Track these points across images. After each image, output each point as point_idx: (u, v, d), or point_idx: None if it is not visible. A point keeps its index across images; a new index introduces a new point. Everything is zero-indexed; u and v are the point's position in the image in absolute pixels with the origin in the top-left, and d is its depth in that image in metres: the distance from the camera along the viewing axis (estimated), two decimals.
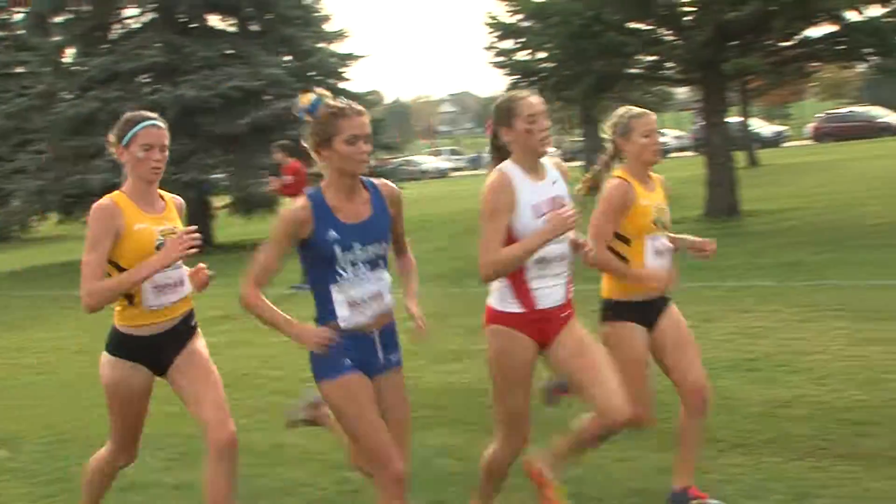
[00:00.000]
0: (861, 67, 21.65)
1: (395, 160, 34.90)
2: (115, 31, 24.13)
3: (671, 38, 19.61)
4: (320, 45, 24.50)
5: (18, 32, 33.86)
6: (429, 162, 66.78)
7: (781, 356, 7.51)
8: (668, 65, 20.73)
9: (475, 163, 66.94)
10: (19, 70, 33.89)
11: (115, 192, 4.38)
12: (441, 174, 63.67)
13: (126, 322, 4.35)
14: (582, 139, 37.67)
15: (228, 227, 25.20)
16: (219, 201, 24.60)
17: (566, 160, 39.36)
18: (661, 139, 4.99)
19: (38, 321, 13.70)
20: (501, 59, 21.33)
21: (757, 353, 7.71)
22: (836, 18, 18.04)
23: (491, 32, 21.35)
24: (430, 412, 6.81)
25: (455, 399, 7.19)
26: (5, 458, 6.55)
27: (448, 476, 5.47)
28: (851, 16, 17.96)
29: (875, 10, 18.00)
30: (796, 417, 6.00)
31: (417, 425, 6.49)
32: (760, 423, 5.94)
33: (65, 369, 9.81)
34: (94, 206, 4.24)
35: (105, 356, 4.41)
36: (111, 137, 4.38)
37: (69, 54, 24.85)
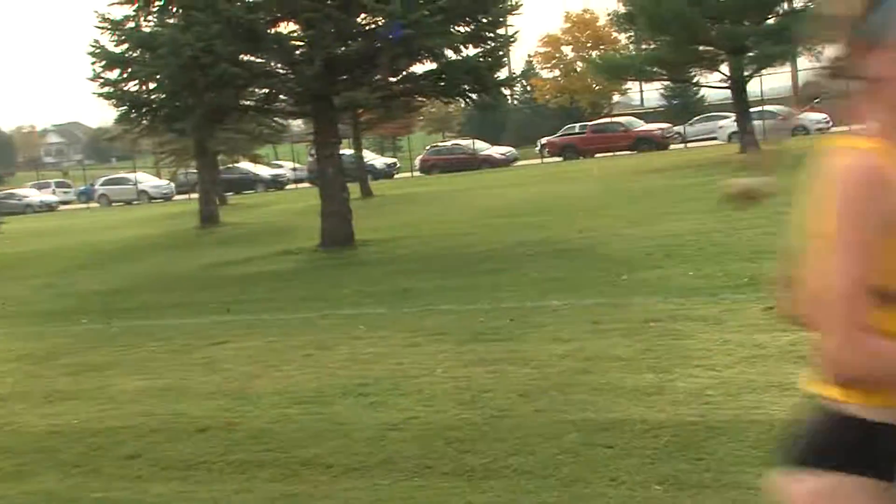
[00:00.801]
0: (461, 102, 22.92)
1: None
2: None
3: (283, 71, 19.90)
4: None
5: None
6: (34, 195, 63.33)
7: (391, 380, 7.80)
8: (281, 97, 21.01)
9: (85, 196, 64.33)
10: None
11: (863, 142, 2.03)
12: (49, 208, 60.59)
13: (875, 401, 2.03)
14: (196, 171, 37.24)
15: None
16: None
17: (183, 193, 38.69)
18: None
19: None
20: (109, 89, 20.69)
21: (369, 378, 7.96)
22: (437, 57, 19.09)
23: (95, 62, 20.65)
24: (34, 457, 6.49)
25: (61, 442, 6.87)
26: None
27: None
28: (450, 54, 19.11)
29: (471, 51, 19.27)
30: (405, 439, 6.26)
31: (21, 473, 6.18)
32: (372, 446, 6.14)
33: None
34: (844, 169, 1.97)
35: (811, 480, 2.08)
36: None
37: None
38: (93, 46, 20.31)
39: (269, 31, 18.73)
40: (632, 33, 39.61)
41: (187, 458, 6.17)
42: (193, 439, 6.58)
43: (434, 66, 19.47)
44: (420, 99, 24.98)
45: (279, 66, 19.94)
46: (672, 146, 48.13)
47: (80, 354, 10.33)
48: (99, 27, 20.13)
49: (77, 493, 5.67)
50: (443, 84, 19.82)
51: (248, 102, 21.20)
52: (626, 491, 4.99)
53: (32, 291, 17.33)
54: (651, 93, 65.95)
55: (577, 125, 52.96)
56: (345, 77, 19.34)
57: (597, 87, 59.37)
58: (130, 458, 6.30)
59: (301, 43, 19.19)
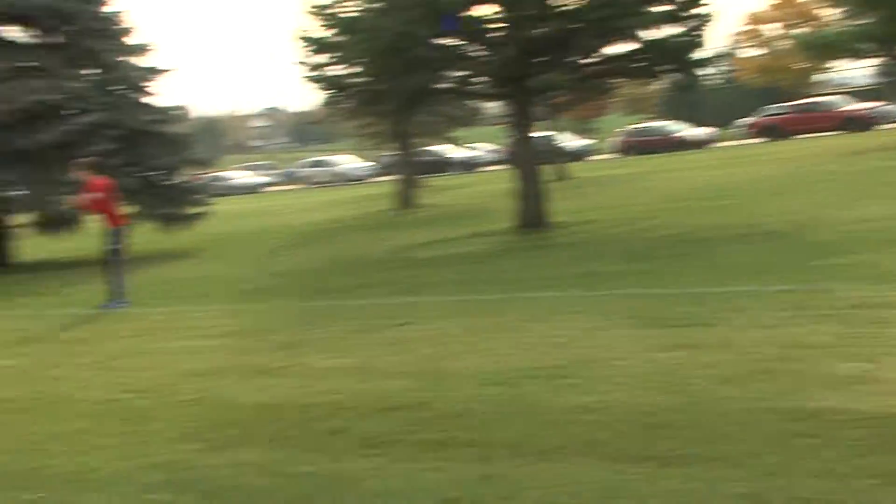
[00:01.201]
0: (659, 83, 22.55)
1: (205, 176, 34.31)
2: None
3: (479, 53, 20.03)
4: (123, 58, 23.85)
5: None
6: (239, 177, 65.94)
7: (583, 363, 7.75)
8: (477, 80, 21.16)
9: (287, 178, 66.57)
10: None
11: None
12: (252, 190, 62.99)
13: None
14: (394, 154, 37.93)
15: (30, 247, 24.26)
16: (19, 219, 23.66)
17: (381, 175, 39.78)
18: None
19: None
20: (314, 73, 21.32)
21: (560, 360, 7.93)
22: (635, 37, 18.81)
23: (304, 47, 21.32)
24: (241, 430, 6.76)
25: (264, 415, 7.14)
26: None
27: (259, 493, 5.43)
28: (649, 34, 18.78)
29: (671, 30, 18.87)
30: (599, 422, 6.18)
31: (230, 443, 6.45)
32: (566, 429, 6.08)
33: None
34: None
35: None
36: None
37: None
38: (302, 32, 20.97)
39: (466, 13, 18.88)
40: (841, 9, 37.94)
41: (380, 435, 6.29)
42: (385, 417, 6.71)
43: (632, 46, 19.20)
44: (616, 80, 24.68)
45: (476, 48, 20.07)
46: (883, 126, 45.88)
47: (276, 332, 10.70)
48: (309, 13, 20.76)
49: (283, 465, 5.86)
50: (638, 65, 19.52)
51: (445, 85, 21.44)
52: (832, 483, 4.80)
53: (235, 270, 18.07)
54: (858, 71, 63.20)
55: (780, 105, 51.20)
56: (540, 59, 19.30)
57: (801, 66, 57.31)
58: (329, 433, 6.48)
59: (497, 26, 19.26)
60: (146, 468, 6.06)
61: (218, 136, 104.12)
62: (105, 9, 23.58)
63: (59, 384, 9.07)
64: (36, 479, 6.06)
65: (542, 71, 19.04)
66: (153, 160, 22.75)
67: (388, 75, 19.03)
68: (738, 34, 65.19)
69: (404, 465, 5.68)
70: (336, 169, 61.20)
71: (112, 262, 14.20)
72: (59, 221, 22.73)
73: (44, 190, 21.40)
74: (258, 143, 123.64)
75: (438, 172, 51.96)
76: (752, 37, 63.84)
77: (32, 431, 7.29)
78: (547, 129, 36.96)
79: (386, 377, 7.94)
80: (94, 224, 15.09)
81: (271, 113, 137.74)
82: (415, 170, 35.55)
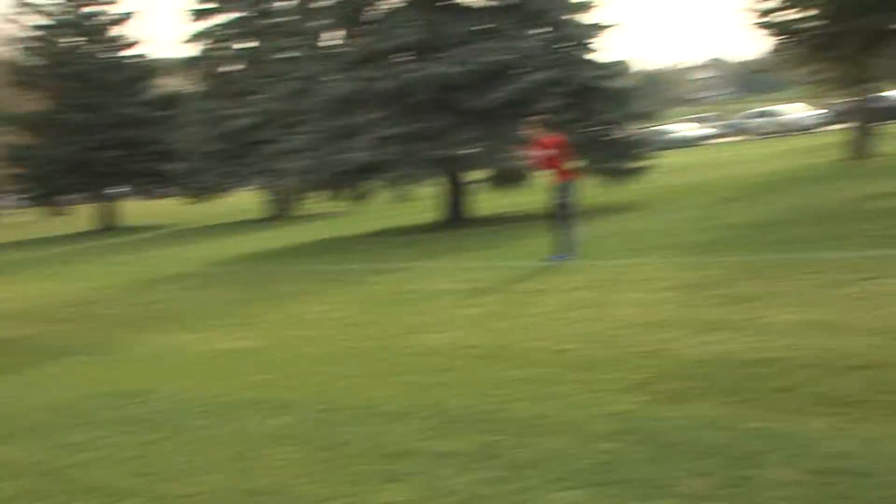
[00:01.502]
0: None
1: (647, 129, 34.34)
2: (374, 11, 24.83)
3: None
4: (569, 16, 24.35)
5: (282, 20, 35.62)
6: (681, 130, 65.38)
7: None
8: None
9: (732, 129, 64.97)
10: (286, 56, 35.54)
11: None
12: (693, 142, 62.23)
13: None
14: (849, 100, 35.75)
15: (482, 202, 25.60)
16: (475, 176, 25.03)
17: (831, 124, 37.57)
18: None
19: (309, 295, 14.36)
20: (763, 20, 20.58)
21: None
22: None
23: None
24: (691, 383, 6.71)
25: (715, 370, 7.04)
26: (284, 425, 6.92)
27: (710, 448, 5.37)
28: None
29: None
30: None
31: (679, 396, 6.43)
32: None
33: (335, 341, 10.26)
34: None
35: None
36: None
37: (330, 37, 25.84)
38: None
39: None
40: None
41: (839, 395, 6.00)
42: (845, 376, 6.38)
43: None
44: None
45: None
46: None
47: (728, 286, 10.50)
48: None
49: (734, 420, 5.76)
50: None
51: None
52: None
53: (682, 223, 17.93)
54: None
55: None
56: None
57: None
58: (783, 390, 6.28)
59: None
60: (598, 417, 6.19)
61: (660, 90, 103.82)
62: None
63: (511, 334, 9.50)
64: (494, 422, 6.39)
65: None
66: (599, 115, 23.12)
67: (845, 17, 17.92)
68: None
69: (864, 428, 5.38)
70: (783, 118, 58.89)
71: (561, 216, 14.63)
72: (510, 177, 23.76)
73: (496, 147, 22.45)
74: (701, 94, 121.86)
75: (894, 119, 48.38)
76: None
77: (489, 378, 7.70)
78: None
79: (850, 334, 7.54)
80: (542, 179, 15.60)
81: (715, 63, 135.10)
82: (870, 117, 33.31)
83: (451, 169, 23.20)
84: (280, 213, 36.87)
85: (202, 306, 14.46)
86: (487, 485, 5.20)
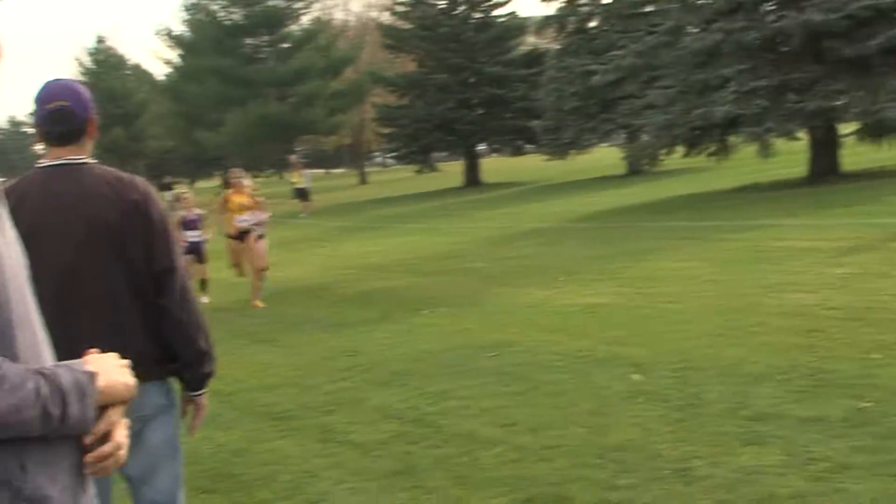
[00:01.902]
0: None
1: None
2: None
3: None
4: None
5: None
6: None
7: None
8: None
9: None
10: (648, 9, 35.18)
11: None
12: None
13: None
14: None
15: (855, 156, 24.23)
16: (845, 129, 23.73)
17: None
18: None
19: (666, 251, 14.25)
20: None
21: None
22: None
23: None
24: None
25: None
26: (640, 382, 6.93)
27: None
28: None
29: None
30: None
31: None
32: None
33: (693, 299, 10.12)
34: None
35: None
36: None
37: None
38: None
39: None
40: None
41: None
42: None
43: None
44: None
45: None
46: None
47: None
48: None
49: None
50: None
51: None
52: None
53: None
54: None
55: None
56: None
57: None
58: None
59: None
60: None
61: None
62: None
63: (883, 295, 8.97)
64: (862, 388, 6.08)
65: None
66: None
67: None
68: None
69: None
70: None
71: None
72: (886, 129, 22.29)
73: (870, 97, 21.13)
74: None
75: None
76: None
77: (858, 342, 7.32)
78: None
79: None
80: None
81: None
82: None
83: (820, 121, 22.11)
84: (638, 170, 36.70)
85: (559, 261, 14.70)
86: (855, 453, 4.96)
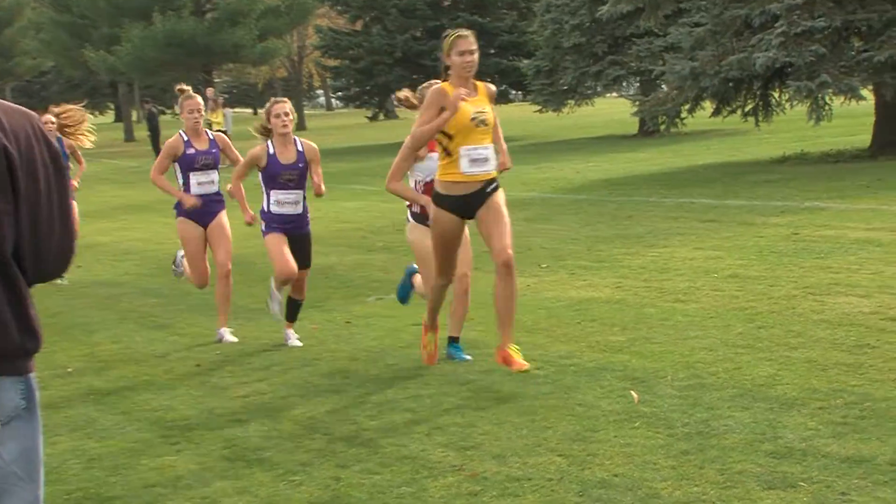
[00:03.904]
0: None
1: None
2: None
3: None
4: None
5: None
6: None
7: None
8: None
9: None
10: None
11: None
12: None
13: None
14: None
15: None
16: None
17: None
18: None
19: (682, 236, 14.29)
20: None
21: None
22: None
23: None
24: None
25: None
26: (638, 401, 6.95)
27: None
28: None
29: None
30: None
31: None
32: None
33: (711, 298, 10.17)
34: None
35: None
36: None
37: None
38: None
39: None
40: None
41: None
42: None
43: None
44: None
45: None
46: None
47: None
48: None
49: None
50: None
51: None
52: None
53: None
54: None
55: None
56: None
57: None
58: None
59: None
60: None
61: None
62: None
63: None
64: None
65: None
66: None
67: None
68: None
69: None
70: None
71: None
72: None
73: None
74: None
75: None
76: None
77: None
78: None
79: None
80: None
81: None
82: None
83: (892, 77, 22.18)
84: (653, 129, 36.78)
85: (545, 242, 14.73)
86: None
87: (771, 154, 25.23)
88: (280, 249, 9.27)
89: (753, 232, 14.12)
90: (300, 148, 9.65)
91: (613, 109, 44.65)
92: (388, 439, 6.58)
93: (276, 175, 9.42)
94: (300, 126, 63.05)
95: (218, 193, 10.29)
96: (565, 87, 38.93)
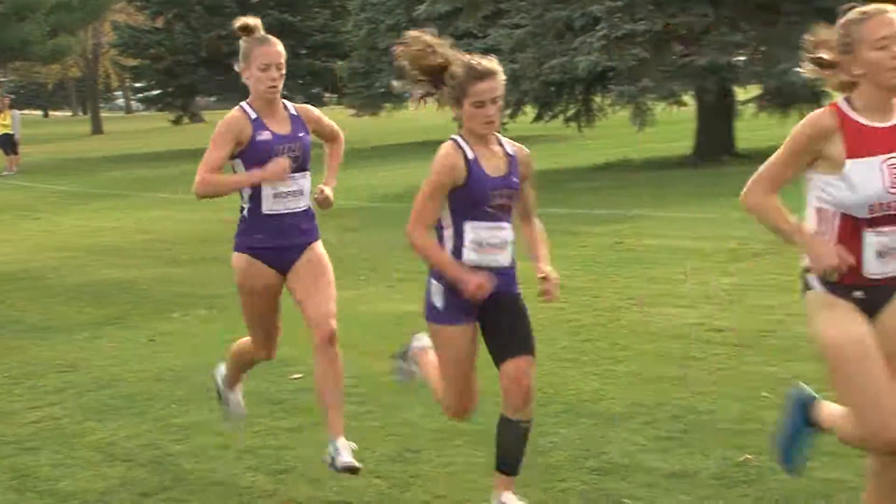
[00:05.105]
0: None
1: None
2: None
3: None
4: None
5: None
6: None
7: None
8: None
9: None
10: None
11: None
12: None
13: None
14: None
15: (754, 129, 24.98)
16: (743, 94, 24.49)
17: None
18: None
19: None
20: None
21: None
22: None
23: None
24: None
25: None
26: (441, 417, 7.03)
27: None
28: None
29: None
30: None
31: None
32: None
33: (535, 310, 10.26)
34: None
35: None
36: None
37: None
38: None
39: None
40: None
41: None
42: None
43: None
44: None
45: None
46: None
47: None
48: None
49: None
50: None
51: None
52: None
53: None
54: None
55: None
56: None
57: None
58: None
59: None
60: None
61: None
62: None
63: (781, 314, 9.33)
64: (746, 434, 6.35)
65: None
66: None
67: None
68: None
69: None
70: None
71: None
72: (794, 97, 23.05)
73: (775, 54, 21.80)
74: None
75: None
76: None
77: (748, 374, 7.70)
78: None
79: None
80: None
81: None
82: None
83: (713, 82, 22.74)
84: None
85: (363, 253, 14.73)
86: None
87: (594, 161, 25.65)
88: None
89: (578, 241, 14.32)
90: None
91: (434, 114, 44.78)
92: (194, 465, 6.53)
93: None
94: (96, 130, 62.10)
95: None
96: (382, 90, 38.99)
